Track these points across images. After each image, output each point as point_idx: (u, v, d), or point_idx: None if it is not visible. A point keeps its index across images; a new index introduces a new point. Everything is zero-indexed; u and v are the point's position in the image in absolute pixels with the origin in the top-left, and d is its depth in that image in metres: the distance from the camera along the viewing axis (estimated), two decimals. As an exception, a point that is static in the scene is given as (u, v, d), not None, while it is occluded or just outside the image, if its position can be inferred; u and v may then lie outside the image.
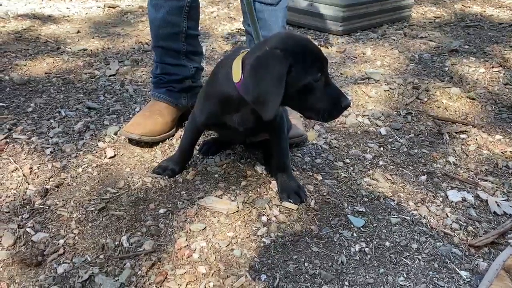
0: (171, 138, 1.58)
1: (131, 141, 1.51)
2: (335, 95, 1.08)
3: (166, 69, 1.57)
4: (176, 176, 1.36)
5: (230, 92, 1.10)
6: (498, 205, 1.27)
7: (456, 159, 1.49)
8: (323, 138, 1.60)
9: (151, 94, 1.65)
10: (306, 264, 1.06)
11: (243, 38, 2.71)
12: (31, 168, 1.37)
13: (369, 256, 1.09)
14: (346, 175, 1.39)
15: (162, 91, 1.59)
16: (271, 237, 1.13)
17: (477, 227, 1.20)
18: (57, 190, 1.29)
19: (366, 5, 2.84)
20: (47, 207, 1.22)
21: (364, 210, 1.24)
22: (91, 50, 2.41)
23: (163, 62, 1.57)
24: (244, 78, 1.03)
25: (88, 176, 1.35)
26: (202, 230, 1.15)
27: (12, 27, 2.74)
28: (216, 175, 1.38)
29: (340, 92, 1.09)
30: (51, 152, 1.45)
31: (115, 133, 1.57)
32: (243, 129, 1.18)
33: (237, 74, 1.06)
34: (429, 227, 1.19)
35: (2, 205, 1.22)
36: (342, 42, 2.66)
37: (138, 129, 1.47)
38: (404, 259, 1.09)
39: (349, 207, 1.25)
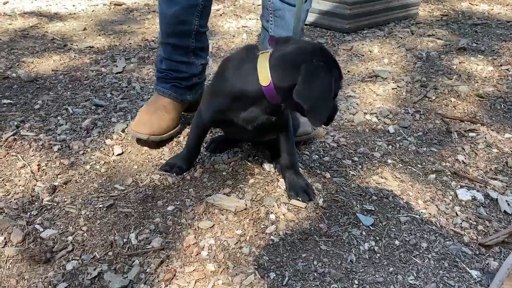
0: (178, 136, 1.57)
1: (139, 140, 1.49)
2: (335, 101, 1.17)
3: (174, 66, 1.54)
4: (184, 174, 1.36)
5: (254, 93, 1.10)
6: (508, 204, 1.26)
7: (465, 158, 1.48)
8: (331, 136, 1.59)
9: (155, 89, 1.60)
10: (315, 263, 1.05)
11: (246, 35, 2.70)
12: (39, 165, 1.37)
13: (378, 255, 1.08)
14: (354, 173, 1.38)
15: (168, 86, 1.56)
16: (279, 235, 1.13)
17: (487, 226, 1.19)
18: (65, 187, 1.29)
19: (373, 3, 2.83)
20: (56, 204, 1.22)
21: (373, 209, 1.23)
22: (98, 48, 2.41)
23: (171, 59, 1.53)
24: (300, 87, 1.04)
25: (96, 173, 1.35)
26: (210, 227, 1.15)
27: (18, 25, 2.74)
28: (224, 173, 1.37)
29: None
30: (58, 149, 1.46)
31: (123, 130, 1.57)
32: (251, 127, 1.17)
33: (265, 78, 1.07)
34: (439, 225, 1.18)
35: (10, 201, 1.22)
36: (349, 40, 2.65)
37: (146, 128, 1.44)
38: (414, 258, 1.08)
39: (357, 205, 1.24)
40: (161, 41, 1.54)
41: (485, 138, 1.60)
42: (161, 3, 1.46)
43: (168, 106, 1.54)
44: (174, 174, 1.35)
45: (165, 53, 1.54)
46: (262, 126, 1.17)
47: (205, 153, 1.47)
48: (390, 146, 1.54)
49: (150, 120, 1.47)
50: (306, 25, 2.92)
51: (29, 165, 1.37)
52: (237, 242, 1.10)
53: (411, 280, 1.02)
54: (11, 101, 1.77)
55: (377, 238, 1.13)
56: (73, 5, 3.24)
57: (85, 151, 1.46)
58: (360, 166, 1.42)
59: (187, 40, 1.50)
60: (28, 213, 1.18)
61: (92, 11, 3.09)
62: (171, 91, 1.55)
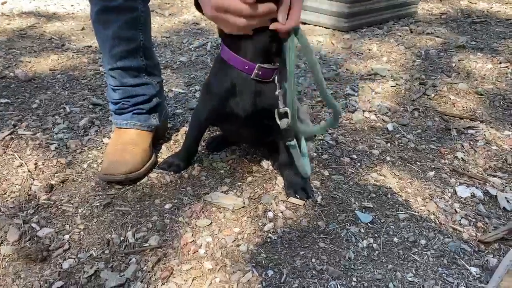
0: (176, 134, 1.57)
1: (111, 183, 1.29)
2: None
3: (129, 92, 1.37)
4: (182, 172, 1.35)
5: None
6: (507, 201, 1.25)
7: (464, 155, 1.47)
8: (330, 134, 1.58)
9: (115, 123, 1.42)
10: (313, 260, 1.04)
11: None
12: (36, 163, 1.36)
13: (377, 252, 1.08)
14: (353, 171, 1.37)
15: (127, 116, 1.39)
16: (277, 232, 1.12)
17: (487, 223, 1.18)
18: (62, 186, 1.28)
19: (372, 1, 2.82)
20: (52, 203, 1.21)
21: (371, 206, 1.22)
22: (96, 47, 2.41)
23: (124, 85, 1.36)
24: None
25: (93, 172, 1.35)
26: (208, 225, 1.14)
27: (17, 24, 2.74)
28: (222, 171, 1.36)
29: None
30: (56, 148, 1.45)
31: (120, 129, 1.56)
32: (248, 115, 1.15)
33: None
34: (438, 223, 1.18)
35: (7, 200, 1.21)
36: (348, 38, 2.64)
37: (121, 167, 1.26)
38: (413, 255, 1.07)
39: (356, 202, 1.24)
40: (108, 68, 1.35)
41: (484, 135, 1.59)
42: (97, 27, 1.31)
43: (136, 138, 1.37)
44: (172, 173, 1.34)
45: (116, 81, 1.36)
46: (258, 114, 1.16)
47: (203, 151, 1.46)
48: (389, 144, 1.54)
49: (123, 158, 1.29)
50: (305, 23, 2.91)
51: (26, 164, 1.36)
52: (234, 240, 1.09)
53: (410, 277, 1.01)
54: (9, 101, 1.76)
55: (376, 235, 1.13)
56: (71, 5, 3.24)
57: (82, 150, 1.45)
58: (358, 164, 1.41)
59: (136, 59, 1.35)
60: (25, 212, 1.17)
61: (91, 11, 3.09)
62: (134, 120, 1.39)
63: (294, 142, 1.14)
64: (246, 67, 1.09)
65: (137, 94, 1.39)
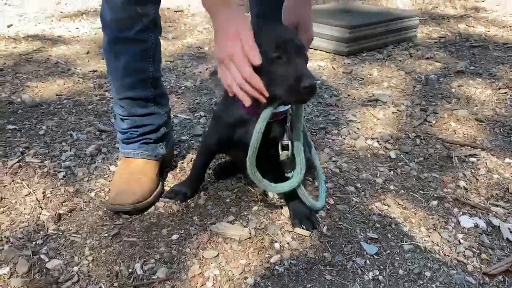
0: (181, 161, 1.59)
1: (118, 212, 1.30)
2: (296, 74, 1.02)
3: (137, 121, 1.40)
4: (188, 201, 1.36)
5: None
6: (510, 232, 1.27)
7: (466, 184, 1.49)
8: (333, 161, 1.60)
9: (122, 153, 1.45)
10: (320, 293, 1.05)
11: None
12: (44, 192, 1.38)
13: (383, 285, 1.09)
14: (357, 200, 1.39)
15: (135, 146, 1.42)
16: (284, 264, 1.13)
17: (491, 255, 1.19)
18: (70, 215, 1.30)
19: (372, 26, 2.88)
20: (61, 233, 1.22)
21: (376, 237, 1.24)
22: (101, 71, 2.44)
23: (132, 114, 1.39)
24: None
25: (101, 201, 1.36)
26: (215, 257, 1.15)
27: (23, 48, 2.78)
28: (228, 200, 1.38)
29: (303, 72, 1.02)
30: (63, 176, 1.47)
31: (127, 157, 1.58)
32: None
33: None
34: (442, 254, 1.19)
35: (16, 230, 1.23)
36: (348, 63, 2.68)
37: (128, 197, 1.27)
38: (418, 288, 1.08)
39: (361, 233, 1.25)
40: (117, 98, 1.38)
41: (486, 163, 1.61)
42: (108, 57, 1.35)
43: (144, 167, 1.39)
44: (178, 201, 1.35)
45: (124, 110, 1.39)
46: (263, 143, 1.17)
47: (208, 179, 1.48)
48: (391, 172, 1.56)
49: (131, 188, 1.30)
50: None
51: (34, 192, 1.38)
52: (241, 272, 1.11)
53: (416, 310, 1.02)
54: (16, 127, 1.79)
55: (381, 267, 1.14)
56: (76, 28, 3.29)
57: (89, 178, 1.47)
58: (363, 193, 1.43)
59: (145, 89, 1.38)
60: (34, 243, 1.19)
61: (95, 34, 3.14)
62: (142, 150, 1.41)
63: (291, 174, 1.21)
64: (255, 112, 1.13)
65: (145, 124, 1.42)
